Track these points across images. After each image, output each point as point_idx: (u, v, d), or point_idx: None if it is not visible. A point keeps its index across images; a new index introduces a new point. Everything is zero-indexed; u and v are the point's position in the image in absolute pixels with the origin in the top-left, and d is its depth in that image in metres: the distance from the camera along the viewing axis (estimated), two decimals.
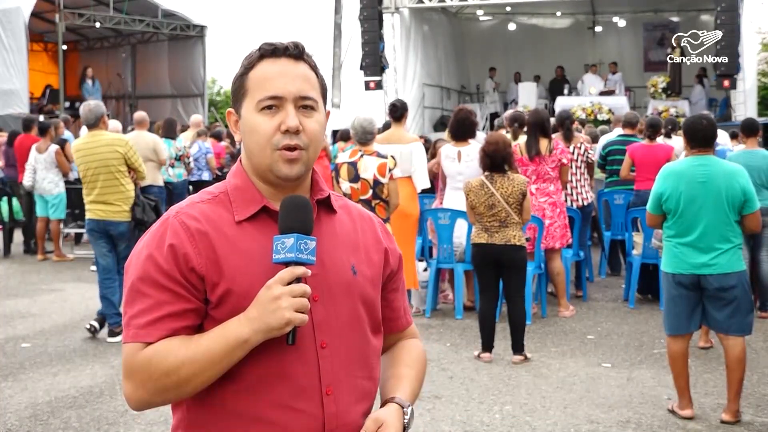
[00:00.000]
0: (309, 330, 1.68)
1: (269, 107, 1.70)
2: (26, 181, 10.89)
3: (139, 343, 1.64)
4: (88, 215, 6.98)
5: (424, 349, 1.99)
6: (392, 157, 6.72)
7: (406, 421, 1.75)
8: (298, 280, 1.62)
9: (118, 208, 6.86)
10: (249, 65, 1.74)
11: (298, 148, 1.70)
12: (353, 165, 6.60)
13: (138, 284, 1.66)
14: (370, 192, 6.55)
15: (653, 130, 8.56)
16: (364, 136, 6.70)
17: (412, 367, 1.90)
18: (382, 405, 1.79)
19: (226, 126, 21.62)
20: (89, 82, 19.46)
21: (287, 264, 1.63)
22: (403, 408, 1.77)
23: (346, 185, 6.59)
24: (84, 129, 13.31)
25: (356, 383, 1.75)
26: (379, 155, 6.62)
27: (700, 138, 4.95)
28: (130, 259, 1.72)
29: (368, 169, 6.56)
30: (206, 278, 1.66)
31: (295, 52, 1.74)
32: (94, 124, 6.91)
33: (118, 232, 6.89)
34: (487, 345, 6.27)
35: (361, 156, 6.62)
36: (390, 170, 6.57)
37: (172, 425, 1.78)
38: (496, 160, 6.22)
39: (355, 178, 6.57)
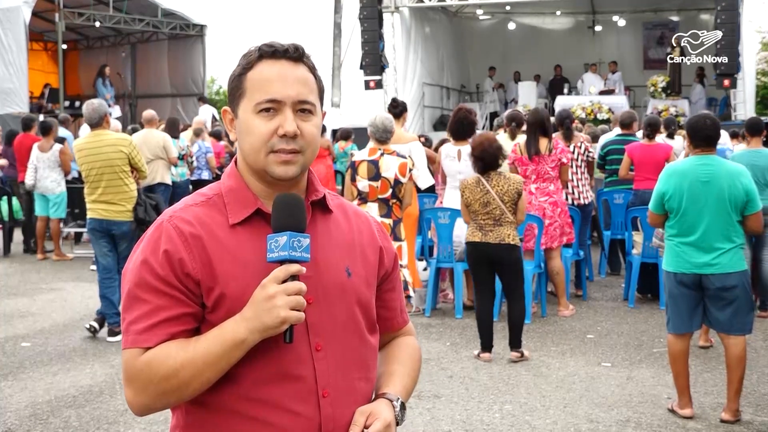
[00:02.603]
0: (303, 332, 1.68)
1: (267, 110, 1.69)
2: (28, 180, 10.87)
3: (138, 348, 1.64)
4: (90, 214, 6.97)
5: (418, 346, 1.99)
6: (410, 156, 6.71)
7: (396, 413, 1.75)
8: (293, 278, 1.62)
9: (122, 208, 6.86)
10: (248, 65, 1.73)
11: (295, 152, 1.70)
12: (374, 163, 6.56)
13: (135, 290, 1.66)
14: (390, 191, 6.53)
15: (652, 129, 8.56)
16: (384, 135, 6.67)
17: (404, 363, 1.89)
18: (373, 401, 1.79)
19: None
20: (106, 81, 19.51)
21: (282, 262, 1.62)
22: (392, 402, 1.76)
23: (364, 183, 6.55)
24: (84, 128, 13.38)
25: (353, 385, 1.75)
26: (399, 155, 6.60)
27: (704, 137, 4.95)
28: (127, 265, 1.73)
29: (390, 168, 6.54)
30: (202, 282, 1.66)
31: (295, 55, 1.73)
32: (98, 123, 6.91)
33: (121, 232, 6.89)
34: (487, 345, 6.27)
35: (382, 155, 6.59)
36: (410, 170, 6.57)
37: (171, 426, 1.78)
38: (487, 159, 6.23)
39: (375, 176, 6.54)
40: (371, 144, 6.85)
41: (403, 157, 6.61)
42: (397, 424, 1.75)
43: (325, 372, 1.69)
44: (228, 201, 1.74)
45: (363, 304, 1.80)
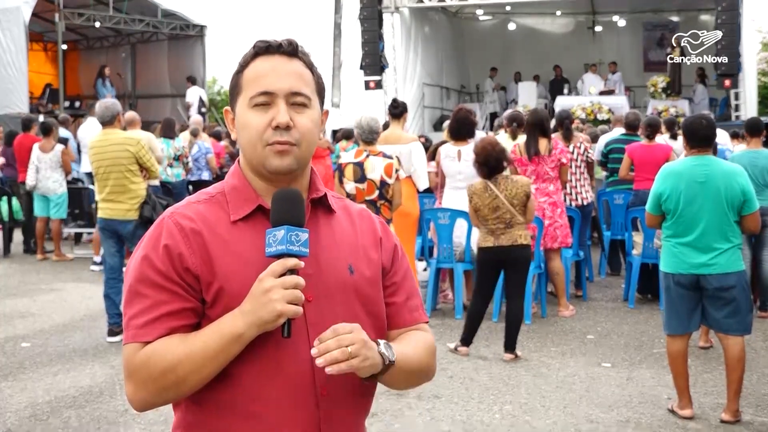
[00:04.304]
0: (303, 330, 1.68)
1: (262, 104, 1.71)
2: (29, 180, 10.87)
3: (138, 343, 1.64)
4: (99, 214, 6.96)
5: (432, 340, 1.90)
6: (397, 157, 6.69)
7: (381, 350, 1.66)
8: (292, 272, 1.62)
9: (127, 207, 6.82)
10: (244, 63, 1.75)
11: (289, 144, 1.70)
12: (359, 165, 6.54)
13: (136, 285, 1.68)
14: (377, 192, 6.51)
15: (652, 129, 8.56)
16: (370, 136, 6.64)
17: (408, 341, 1.82)
18: None
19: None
20: (106, 81, 19.53)
21: (280, 257, 1.63)
22: (376, 341, 1.68)
23: (351, 185, 6.53)
24: (83, 127, 13.38)
25: (353, 383, 1.74)
26: (385, 155, 6.57)
27: (700, 138, 4.95)
28: (129, 262, 1.74)
29: (375, 169, 6.51)
30: (201, 278, 1.67)
31: (289, 50, 1.74)
32: (109, 121, 6.91)
33: (127, 231, 6.84)
34: (467, 340, 6.34)
35: (367, 156, 6.56)
36: (396, 171, 6.55)
37: (173, 425, 1.79)
38: (491, 163, 6.23)
39: (361, 178, 6.51)
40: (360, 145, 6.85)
41: (390, 157, 6.58)
42: (384, 363, 1.67)
43: (324, 370, 1.69)
44: (230, 198, 1.75)
45: (366, 302, 1.79)
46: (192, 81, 19.65)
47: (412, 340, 1.84)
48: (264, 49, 1.74)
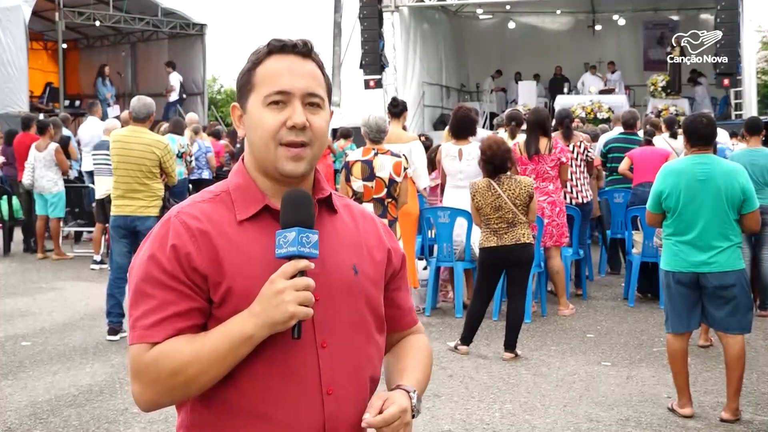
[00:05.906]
0: (309, 330, 1.68)
1: (276, 102, 1.70)
2: (25, 179, 10.88)
3: (146, 343, 1.63)
4: (114, 211, 6.90)
5: (429, 344, 1.98)
6: (404, 155, 6.71)
7: (413, 404, 1.73)
8: (302, 274, 1.62)
9: (145, 203, 6.80)
10: (257, 60, 1.74)
11: (304, 145, 1.70)
12: (368, 163, 6.54)
13: (142, 285, 1.66)
14: (385, 191, 6.52)
15: (650, 134, 8.63)
16: (378, 135, 6.65)
17: (417, 359, 1.89)
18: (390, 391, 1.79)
19: (227, 125, 21.63)
20: (106, 80, 19.56)
21: (290, 258, 1.63)
22: (408, 393, 1.75)
23: (358, 183, 6.53)
24: (83, 126, 13.36)
25: (358, 383, 1.75)
26: (393, 154, 6.59)
27: (700, 136, 4.96)
28: (134, 262, 1.72)
29: (384, 167, 6.52)
30: (209, 277, 1.66)
31: (304, 50, 1.74)
32: (143, 119, 6.91)
33: (146, 228, 6.75)
34: (467, 339, 6.35)
35: (376, 154, 6.57)
36: (405, 169, 6.56)
37: (177, 424, 1.78)
38: (496, 163, 6.24)
39: (369, 176, 6.51)
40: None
41: (398, 156, 6.59)
42: (413, 416, 1.74)
43: (329, 369, 1.69)
44: (235, 198, 1.74)
45: (370, 303, 1.80)
46: (172, 66, 19.76)
47: (418, 355, 1.90)
48: (279, 47, 1.73)
